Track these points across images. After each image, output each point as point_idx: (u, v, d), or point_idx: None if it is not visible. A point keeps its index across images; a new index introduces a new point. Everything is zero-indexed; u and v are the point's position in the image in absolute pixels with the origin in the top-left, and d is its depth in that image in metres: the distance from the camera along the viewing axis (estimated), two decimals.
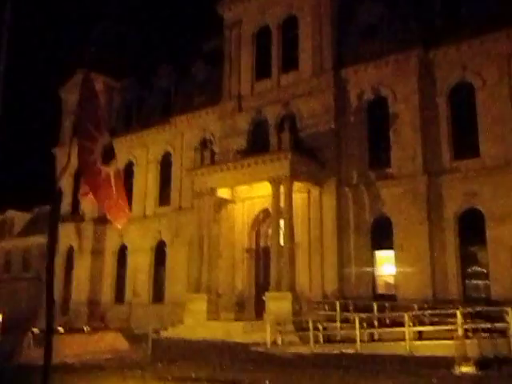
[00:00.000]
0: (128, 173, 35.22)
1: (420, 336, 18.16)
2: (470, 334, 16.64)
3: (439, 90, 23.97)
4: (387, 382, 12.30)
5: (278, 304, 22.24)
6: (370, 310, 20.73)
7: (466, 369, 13.25)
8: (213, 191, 26.35)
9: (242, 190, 27.04)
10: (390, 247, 23.68)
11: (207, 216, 26.45)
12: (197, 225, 26.95)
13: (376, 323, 19.85)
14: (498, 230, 21.32)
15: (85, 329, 19.93)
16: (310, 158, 25.17)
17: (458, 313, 16.44)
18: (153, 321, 25.43)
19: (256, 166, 24.70)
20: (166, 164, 34.04)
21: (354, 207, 24.73)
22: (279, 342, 19.98)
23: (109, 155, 6.30)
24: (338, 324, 20.56)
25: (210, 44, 34.17)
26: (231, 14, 31.05)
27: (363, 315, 19.38)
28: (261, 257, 27.03)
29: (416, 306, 19.76)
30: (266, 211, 26.85)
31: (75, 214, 36.61)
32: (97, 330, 20.55)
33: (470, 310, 17.45)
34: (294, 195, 24.12)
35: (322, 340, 19.50)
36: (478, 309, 17.48)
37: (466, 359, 13.55)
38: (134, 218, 34.24)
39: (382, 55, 25.13)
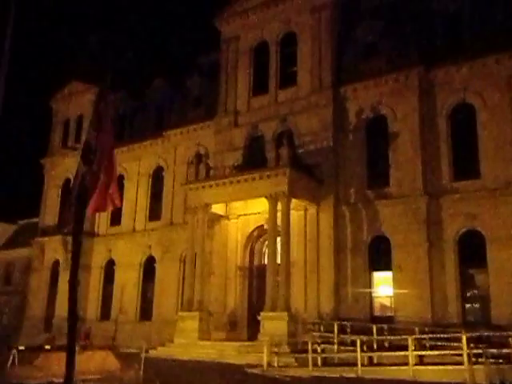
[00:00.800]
0: (118, 186, 34.43)
1: (421, 360, 17.61)
2: (474, 360, 16.13)
3: (439, 110, 23.79)
4: None
5: (273, 324, 21.57)
6: (367, 331, 20.20)
7: None
8: (207, 206, 25.73)
9: (237, 206, 26.49)
10: (388, 268, 23.21)
11: (200, 232, 25.80)
12: (189, 241, 26.27)
13: (375, 346, 19.28)
14: (499, 253, 20.98)
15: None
16: (307, 175, 24.75)
17: (464, 338, 15.93)
18: (140, 339, 24.51)
19: (253, 181, 24.20)
20: (157, 178, 33.40)
21: (352, 226, 24.28)
22: (275, 364, 19.26)
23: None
24: (336, 346, 19.97)
25: (206, 58, 33.85)
26: (229, 29, 30.79)
27: (364, 337, 18.79)
28: (254, 275, 26.39)
29: (417, 329, 19.23)
30: (260, 228, 26.30)
31: (61, 227, 35.60)
32: (85, 348, 19.64)
33: (473, 334, 16.96)
34: (290, 213, 23.64)
35: (320, 363, 18.85)
36: (484, 333, 17.02)
37: None
38: (124, 233, 33.50)
39: (382, 73, 24.94)
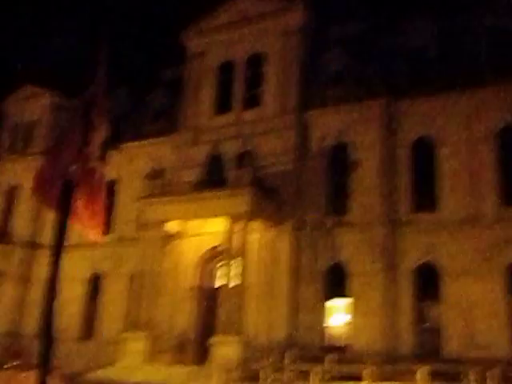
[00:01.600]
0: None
1: None
2: None
3: (401, 141, 24.07)
4: None
5: (224, 349, 20.78)
6: (319, 360, 19.72)
7: None
8: (161, 223, 24.85)
9: (193, 224, 25.70)
10: (343, 296, 22.94)
11: (152, 249, 24.85)
12: (140, 258, 25.24)
13: (329, 377, 18.80)
14: (453, 287, 21.14)
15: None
16: (268, 197, 24.36)
17: (422, 371, 15.72)
18: (82, 359, 23.18)
19: (212, 200, 23.57)
20: (110, 191, 32.13)
21: (309, 252, 23.95)
22: None
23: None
24: (288, 375, 19.37)
25: (169, 72, 33.23)
26: (195, 45, 30.40)
27: (318, 367, 18.30)
28: (206, 297, 25.53)
29: (371, 360, 18.92)
30: (214, 249, 25.58)
31: (2, 236, 33.67)
32: (10, 368, 18.24)
33: (428, 366, 16.81)
34: (248, 234, 23.11)
35: None
36: (439, 366, 16.88)
37: None
38: (70, 245, 31.78)
39: (347, 102, 25.06)
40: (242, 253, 22.62)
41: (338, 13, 27.74)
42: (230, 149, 26.98)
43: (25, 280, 32.29)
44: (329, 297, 23.33)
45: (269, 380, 18.59)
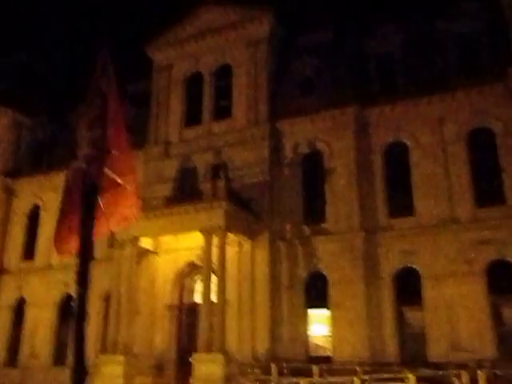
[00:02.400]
0: (33, 218, 31.92)
1: None
2: None
3: (375, 147, 24.13)
4: None
5: (207, 367, 20.14)
6: (304, 372, 19.34)
7: None
8: (136, 240, 24.10)
9: (168, 240, 25.05)
10: (325, 306, 22.68)
11: (127, 268, 24.04)
12: (114, 277, 24.42)
13: None
14: (434, 291, 21.16)
15: None
16: (243, 209, 23.96)
17: (411, 377, 15.53)
18: None
19: (187, 214, 23.00)
20: None
21: (288, 263, 23.65)
22: None
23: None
24: None
25: (135, 86, 32.55)
26: (162, 58, 29.93)
27: (304, 380, 17.91)
28: (185, 314, 24.87)
29: (358, 369, 18.65)
30: (191, 264, 25.05)
31: None
32: None
33: (417, 373, 16.64)
34: (225, 248, 22.62)
35: None
36: (427, 372, 16.74)
37: None
38: (37, 268, 30.71)
39: (319, 110, 25.01)
40: (219, 267, 22.12)
41: (306, 21, 27.77)
42: (202, 161, 26.53)
43: None
44: (310, 307, 23.04)
45: None
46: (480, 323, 20.16)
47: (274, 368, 19.62)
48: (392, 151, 23.99)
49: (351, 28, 27.67)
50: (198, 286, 25.16)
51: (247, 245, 24.00)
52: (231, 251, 23.65)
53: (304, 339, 22.53)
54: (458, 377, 16.06)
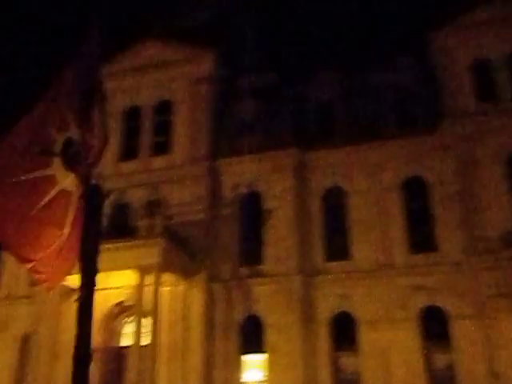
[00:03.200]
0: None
1: None
2: None
3: (313, 191, 24.37)
4: None
5: None
6: None
7: None
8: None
9: (96, 278, 23.65)
10: (261, 350, 22.10)
11: (50, 308, 22.44)
12: (35, 318, 22.66)
13: None
14: (370, 335, 21.23)
15: None
16: (179, 247, 23.20)
17: None
18: None
19: (120, 251, 21.79)
20: None
21: (224, 305, 22.99)
22: None
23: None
24: None
25: None
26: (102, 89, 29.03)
27: None
28: (111, 359, 23.35)
29: None
30: (120, 305, 23.75)
31: None
32: None
33: None
34: (159, 287, 21.67)
35: None
36: None
37: None
38: None
39: (259, 151, 25.05)
40: (153, 308, 21.09)
41: (248, 63, 28.10)
42: (137, 197, 25.63)
43: None
44: (245, 351, 22.38)
45: None
46: (413, 368, 20.37)
47: None
48: (330, 195, 24.33)
49: (292, 72, 28.30)
50: (127, 329, 23.87)
51: (183, 285, 23.14)
52: (165, 291, 22.70)
53: None
54: None
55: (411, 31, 26.39)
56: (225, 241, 24.09)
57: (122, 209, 25.82)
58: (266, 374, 21.69)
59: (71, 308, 23.61)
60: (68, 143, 4.52)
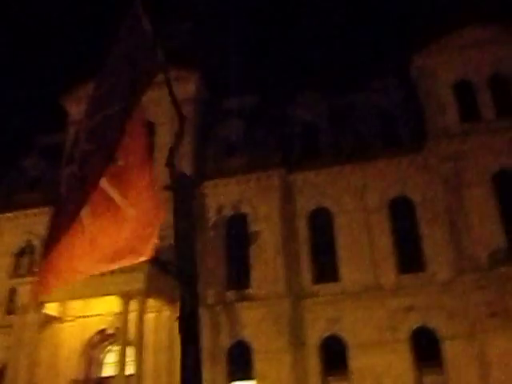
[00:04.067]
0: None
1: None
2: None
3: (300, 212, 24.08)
4: None
5: None
6: None
7: None
8: (40, 306, 21.63)
9: (75, 306, 22.76)
10: (249, 377, 21.42)
11: (28, 337, 21.42)
12: (12, 347, 21.58)
13: None
14: (360, 359, 20.80)
15: None
16: (164, 272, 22.50)
17: None
18: None
19: (102, 277, 20.88)
20: None
21: (211, 331, 22.22)
22: None
23: None
24: None
25: (46, 138, 30.61)
26: (77, 110, 28.39)
27: None
28: None
29: None
30: (102, 333, 22.87)
31: None
32: None
33: None
34: (143, 314, 20.93)
35: None
36: None
37: None
38: None
39: (244, 172, 24.74)
40: (136, 335, 20.30)
41: (233, 85, 27.96)
42: None
43: None
44: (233, 378, 21.66)
45: None
46: None
47: None
48: (317, 216, 24.06)
49: (277, 93, 28.20)
50: (109, 358, 22.97)
51: (167, 311, 22.37)
52: (150, 317, 21.95)
53: None
54: None
55: (394, 52, 26.68)
56: (211, 264, 23.46)
57: None
58: None
59: (49, 338, 22.73)
60: None
